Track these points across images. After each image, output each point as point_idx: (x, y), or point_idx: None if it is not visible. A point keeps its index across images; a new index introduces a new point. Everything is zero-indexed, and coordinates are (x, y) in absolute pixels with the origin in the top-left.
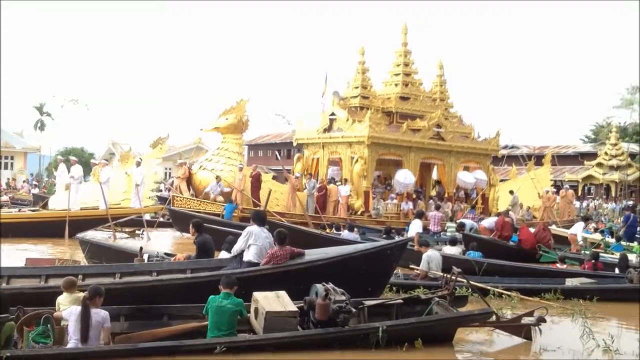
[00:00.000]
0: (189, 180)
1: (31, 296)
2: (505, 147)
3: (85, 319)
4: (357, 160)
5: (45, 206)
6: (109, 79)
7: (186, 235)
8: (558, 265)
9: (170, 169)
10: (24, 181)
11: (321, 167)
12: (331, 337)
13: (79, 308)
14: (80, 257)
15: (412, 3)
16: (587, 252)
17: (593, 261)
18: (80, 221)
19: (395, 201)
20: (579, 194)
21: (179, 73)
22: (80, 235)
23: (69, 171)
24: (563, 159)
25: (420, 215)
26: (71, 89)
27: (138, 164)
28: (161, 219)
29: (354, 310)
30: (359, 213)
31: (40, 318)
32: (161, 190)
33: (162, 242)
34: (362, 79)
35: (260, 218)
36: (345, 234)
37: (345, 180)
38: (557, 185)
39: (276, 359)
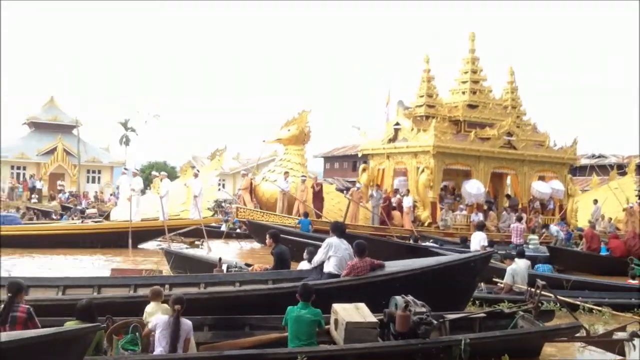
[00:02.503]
0: (252, 191)
1: (121, 305)
2: (592, 156)
3: (176, 327)
4: (422, 171)
5: (107, 217)
6: (190, 93)
7: (250, 246)
8: (630, 281)
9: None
10: (110, 194)
11: (387, 177)
12: (412, 349)
13: (165, 317)
14: (158, 267)
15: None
16: None
17: None
18: (141, 232)
19: (464, 212)
20: None
21: (256, 85)
22: (142, 245)
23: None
24: None
25: (481, 227)
26: (154, 104)
27: (196, 175)
28: (232, 230)
29: (435, 322)
30: (425, 224)
31: (129, 327)
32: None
33: (224, 252)
34: (428, 87)
35: (340, 229)
36: (429, 245)
37: (408, 191)
38: None
39: None
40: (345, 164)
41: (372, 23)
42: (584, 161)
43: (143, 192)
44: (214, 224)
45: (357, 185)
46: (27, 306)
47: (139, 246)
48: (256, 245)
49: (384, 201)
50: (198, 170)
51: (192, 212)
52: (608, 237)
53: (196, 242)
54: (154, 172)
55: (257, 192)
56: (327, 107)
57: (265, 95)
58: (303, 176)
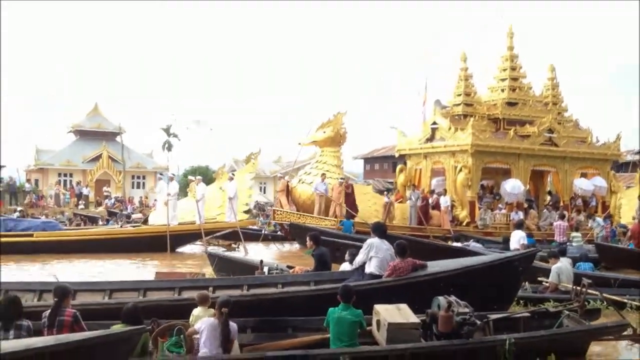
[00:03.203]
0: (288, 194)
1: (166, 308)
2: (639, 152)
3: (226, 329)
4: (460, 170)
5: (145, 222)
6: (229, 96)
7: (288, 248)
8: None
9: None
10: (155, 200)
11: (424, 177)
12: (456, 349)
13: (211, 319)
14: (201, 270)
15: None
16: None
17: None
18: (179, 236)
19: (504, 211)
20: None
21: (290, 86)
22: (180, 249)
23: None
24: None
25: (520, 225)
26: (189, 108)
27: (231, 179)
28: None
29: (478, 322)
30: (464, 224)
31: (174, 329)
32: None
33: (263, 255)
34: (465, 85)
35: (381, 230)
36: (472, 245)
37: (445, 190)
38: None
39: None
40: (385, 164)
41: (408, 20)
42: (629, 157)
43: (180, 196)
44: (254, 227)
45: (340, 179)
46: (74, 310)
47: (177, 250)
48: (294, 247)
49: (421, 201)
50: (233, 174)
51: (228, 215)
52: None
53: (233, 245)
54: (190, 177)
55: (294, 195)
56: (366, 108)
57: (297, 95)
58: (342, 178)
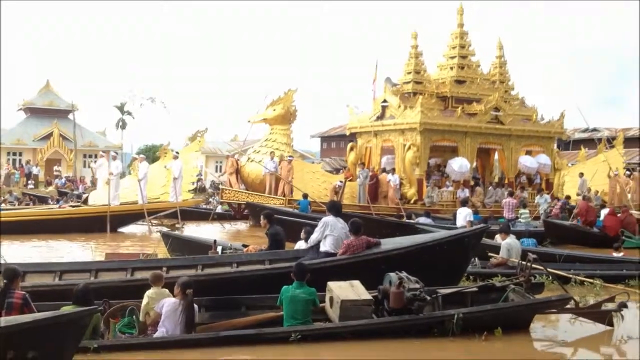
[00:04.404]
0: (237, 172)
1: (117, 289)
2: (586, 130)
3: (190, 310)
4: (409, 148)
5: (85, 202)
6: (183, 73)
7: (237, 227)
8: (614, 254)
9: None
10: (93, 177)
11: (374, 156)
12: (406, 325)
13: (172, 300)
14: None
15: None
16: None
17: None
18: (120, 216)
19: (451, 189)
20: None
21: (244, 64)
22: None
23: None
24: None
25: (464, 202)
26: (149, 87)
27: (176, 157)
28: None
29: (428, 298)
30: (412, 202)
31: (126, 310)
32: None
33: (212, 234)
34: (415, 63)
35: (336, 208)
36: (421, 220)
37: (394, 169)
38: (632, 169)
39: (353, 346)
40: (342, 143)
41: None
42: (577, 135)
43: (123, 175)
44: (205, 206)
45: (289, 157)
46: (23, 292)
47: (120, 230)
48: (244, 226)
49: (370, 179)
50: (177, 152)
51: (172, 195)
52: (605, 214)
53: (177, 225)
54: (134, 155)
55: (243, 173)
56: (323, 86)
57: (256, 80)
58: (290, 156)
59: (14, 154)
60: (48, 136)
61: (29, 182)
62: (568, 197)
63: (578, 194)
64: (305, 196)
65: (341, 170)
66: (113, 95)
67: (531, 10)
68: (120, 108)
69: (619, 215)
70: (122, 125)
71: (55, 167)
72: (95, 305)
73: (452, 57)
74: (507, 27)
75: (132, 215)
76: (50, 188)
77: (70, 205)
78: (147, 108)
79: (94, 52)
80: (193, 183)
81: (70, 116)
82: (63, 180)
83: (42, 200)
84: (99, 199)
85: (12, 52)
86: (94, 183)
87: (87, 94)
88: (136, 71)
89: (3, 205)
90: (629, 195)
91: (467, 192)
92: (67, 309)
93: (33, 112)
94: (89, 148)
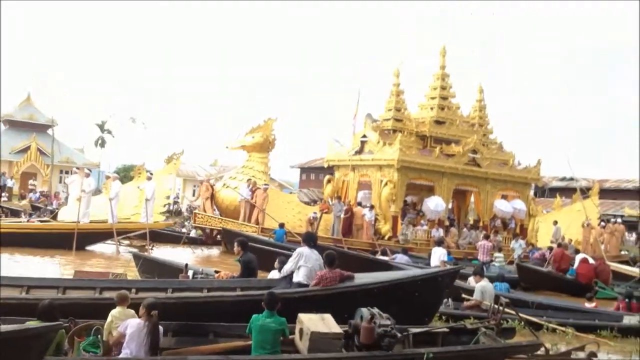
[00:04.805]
0: (212, 198)
1: (85, 307)
2: (563, 179)
3: (155, 332)
4: (386, 184)
5: (55, 217)
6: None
7: (207, 252)
8: (587, 304)
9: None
10: (62, 193)
11: (351, 190)
12: None
13: (137, 320)
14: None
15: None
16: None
17: (627, 300)
18: (89, 234)
19: (425, 227)
20: None
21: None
22: (90, 247)
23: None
24: (624, 193)
25: (440, 242)
26: (130, 107)
27: (149, 178)
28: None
29: (399, 335)
30: (386, 238)
31: (91, 329)
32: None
33: (181, 258)
34: (396, 101)
35: (312, 240)
36: (398, 257)
37: (372, 206)
38: (606, 220)
39: None
40: (321, 175)
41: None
42: (555, 183)
43: (97, 192)
44: (178, 229)
45: (264, 185)
46: None
47: (87, 248)
48: (213, 251)
49: (345, 212)
50: (151, 173)
51: (143, 216)
52: (580, 260)
53: (146, 247)
54: (106, 173)
55: (217, 199)
56: (306, 119)
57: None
58: (265, 184)
59: None
60: (25, 149)
61: (3, 194)
62: (550, 248)
63: (552, 242)
64: (281, 225)
65: (317, 202)
66: (94, 113)
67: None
68: (101, 126)
69: (592, 263)
70: (101, 143)
71: (31, 181)
72: (61, 322)
73: (433, 98)
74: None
75: (100, 234)
76: (24, 202)
77: (39, 220)
78: (127, 128)
79: (74, 69)
80: (166, 205)
81: (49, 131)
82: (37, 194)
83: (15, 213)
84: (68, 215)
85: None
86: (67, 199)
87: (68, 110)
88: (117, 90)
89: None
90: (602, 246)
91: (441, 232)
92: (32, 324)
93: (12, 124)
94: (66, 164)
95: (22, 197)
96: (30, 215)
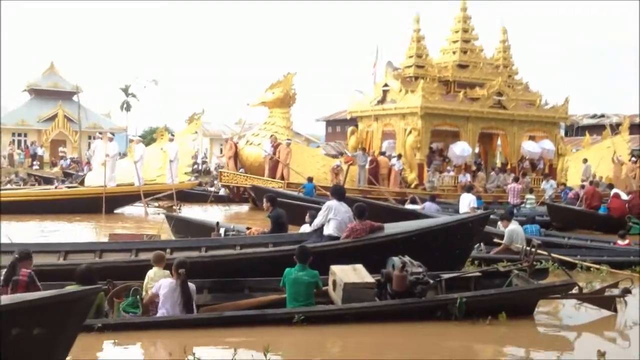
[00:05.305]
0: (236, 155)
1: (122, 269)
2: (594, 116)
3: (186, 291)
4: (410, 132)
5: (82, 183)
6: (187, 57)
7: (235, 210)
8: (619, 242)
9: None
10: (88, 158)
11: (375, 140)
12: (409, 308)
13: (168, 280)
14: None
15: None
16: None
17: None
18: (116, 197)
19: (452, 174)
20: None
21: (246, 47)
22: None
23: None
24: None
25: (469, 188)
26: (153, 70)
27: (171, 140)
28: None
29: (431, 281)
30: (412, 186)
31: (130, 290)
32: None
33: (211, 216)
34: (417, 47)
35: (340, 193)
36: (427, 205)
37: (400, 155)
38: (637, 155)
39: (356, 328)
40: (347, 127)
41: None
42: (585, 121)
43: (121, 157)
44: (203, 189)
45: (287, 140)
46: (29, 270)
47: (116, 211)
48: (242, 208)
49: (370, 163)
50: (173, 134)
51: (168, 177)
52: (612, 194)
53: (174, 207)
54: (130, 137)
55: (242, 156)
56: (329, 69)
57: (257, 65)
58: (288, 139)
59: (19, 134)
60: (52, 117)
61: (34, 163)
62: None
63: (582, 180)
64: (310, 180)
65: (341, 155)
66: (118, 78)
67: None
68: (125, 90)
69: (624, 199)
70: (126, 107)
71: (60, 149)
72: (99, 285)
73: (455, 42)
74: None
75: (128, 197)
76: (56, 169)
77: (67, 186)
78: (150, 90)
79: (98, 33)
80: (195, 165)
81: (75, 98)
82: (68, 161)
83: (47, 181)
84: (95, 180)
85: (17, 33)
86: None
87: (92, 76)
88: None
89: (9, 185)
90: (633, 182)
91: (468, 177)
92: (72, 288)
93: (37, 93)
94: (94, 129)
95: (54, 165)
96: (63, 182)
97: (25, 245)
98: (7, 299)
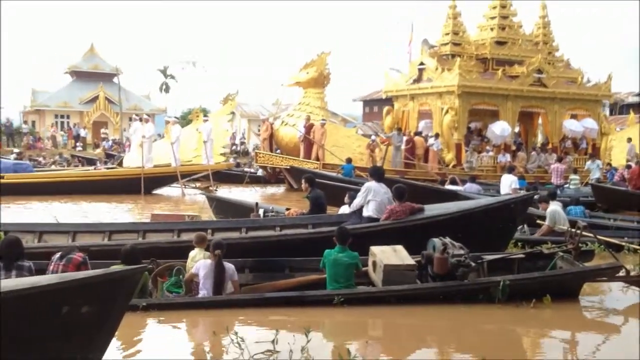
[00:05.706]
0: (272, 136)
1: (165, 250)
2: (639, 94)
3: (220, 271)
4: (447, 112)
5: (120, 164)
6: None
7: (271, 191)
8: None
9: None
10: (127, 140)
11: (411, 119)
12: (451, 291)
13: (207, 261)
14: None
15: None
16: None
17: None
18: (154, 178)
19: (491, 154)
20: None
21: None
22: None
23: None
24: None
25: (510, 169)
26: (192, 51)
27: (205, 120)
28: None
29: (473, 264)
30: (450, 166)
31: (173, 270)
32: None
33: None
34: (454, 24)
35: (379, 174)
36: (467, 186)
37: (437, 135)
38: None
39: (396, 310)
40: (384, 107)
41: None
42: (631, 99)
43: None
44: (241, 169)
45: (322, 120)
46: (84, 254)
47: (154, 192)
48: (279, 190)
49: (406, 143)
50: (207, 115)
51: (204, 158)
52: None
53: (211, 188)
54: (166, 118)
55: (277, 137)
56: (369, 49)
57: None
58: (323, 120)
59: (61, 116)
60: (94, 99)
61: (77, 144)
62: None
63: (628, 160)
64: (349, 160)
65: (376, 135)
66: (156, 59)
67: None
68: (164, 72)
69: None
70: (165, 88)
71: (102, 130)
72: (145, 264)
73: (493, 18)
74: None
75: (165, 178)
76: (98, 150)
77: (106, 167)
78: (188, 72)
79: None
80: (233, 145)
81: (115, 79)
82: (110, 142)
83: (90, 162)
84: (132, 162)
85: (57, 16)
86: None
87: (131, 57)
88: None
89: (53, 166)
90: None
91: (508, 157)
92: (117, 268)
93: (78, 75)
94: (134, 111)
95: (96, 146)
96: (105, 163)
97: (72, 225)
98: (56, 277)
